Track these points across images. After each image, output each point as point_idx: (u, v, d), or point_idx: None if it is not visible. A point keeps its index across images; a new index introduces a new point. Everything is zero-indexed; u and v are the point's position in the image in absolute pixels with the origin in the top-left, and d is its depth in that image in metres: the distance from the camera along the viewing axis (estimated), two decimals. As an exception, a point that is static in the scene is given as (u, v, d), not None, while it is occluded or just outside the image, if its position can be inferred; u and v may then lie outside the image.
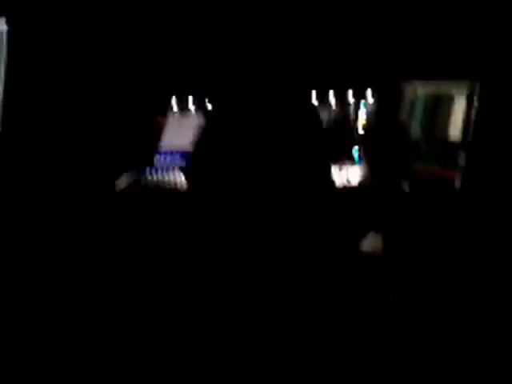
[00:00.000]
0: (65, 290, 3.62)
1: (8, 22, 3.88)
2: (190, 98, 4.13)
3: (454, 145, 3.49)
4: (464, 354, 3.13)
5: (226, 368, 2.75)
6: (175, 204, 3.71)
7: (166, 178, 3.99)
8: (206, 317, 2.78)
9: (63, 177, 4.01)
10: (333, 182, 2.93)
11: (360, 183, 3.51)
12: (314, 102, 3.68)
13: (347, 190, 3.53)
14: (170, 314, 3.23)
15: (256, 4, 3.73)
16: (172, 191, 3.91)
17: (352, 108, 3.70)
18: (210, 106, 3.90)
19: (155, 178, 4.01)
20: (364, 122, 3.67)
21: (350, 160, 3.62)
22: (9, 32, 3.85)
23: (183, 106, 4.17)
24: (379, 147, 3.58)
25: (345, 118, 3.68)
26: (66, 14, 3.97)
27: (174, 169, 3.98)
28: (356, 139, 3.65)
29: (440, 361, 3.14)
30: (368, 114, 3.66)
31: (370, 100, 3.67)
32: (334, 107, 3.72)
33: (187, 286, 2.91)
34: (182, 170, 3.05)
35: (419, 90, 3.61)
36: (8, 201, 3.84)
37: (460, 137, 3.48)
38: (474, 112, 3.49)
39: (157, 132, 4.15)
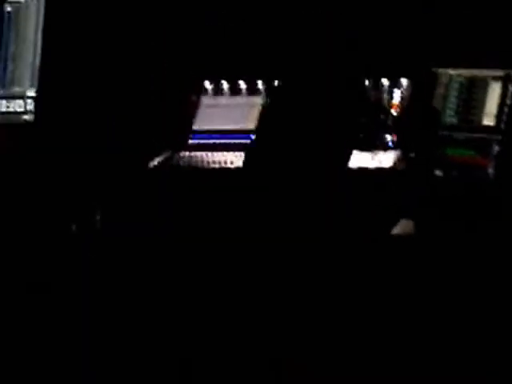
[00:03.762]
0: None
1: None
2: (224, 79, 4.13)
3: (487, 131, 3.48)
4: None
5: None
6: (215, 183, 3.74)
7: (203, 158, 4.00)
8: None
9: (95, 155, 4.02)
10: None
11: (392, 169, 3.51)
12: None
13: (379, 175, 3.53)
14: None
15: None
16: (210, 170, 3.93)
17: (386, 95, 3.68)
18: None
19: (190, 157, 4.03)
20: (397, 108, 3.66)
21: (383, 146, 3.62)
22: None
23: (217, 86, 4.17)
24: (412, 133, 3.58)
25: (378, 104, 3.67)
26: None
27: (214, 148, 4.02)
28: (389, 125, 3.64)
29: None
30: (402, 101, 3.65)
31: (404, 87, 3.66)
32: (368, 95, 3.71)
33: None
34: (244, 149, 3.08)
35: (453, 76, 3.58)
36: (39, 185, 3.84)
37: (494, 123, 3.47)
38: (509, 97, 3.47)
39: (191, 111, 4.17)
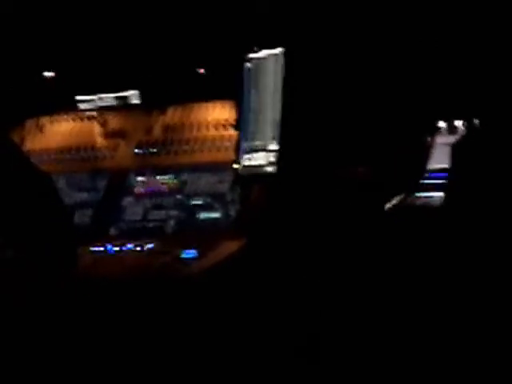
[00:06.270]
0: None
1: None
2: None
3: None
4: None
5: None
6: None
7: (432, 198, 4.03)
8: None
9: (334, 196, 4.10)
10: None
11: None
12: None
13: None
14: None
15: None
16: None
17: None
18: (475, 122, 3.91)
19: (422, 197, 4.07)
20: None
21: None
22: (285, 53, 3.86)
23: (450, 124, 4.17)
24: None
25: None
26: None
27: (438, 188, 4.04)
28: None
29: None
30: None
31: None
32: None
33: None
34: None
35: None
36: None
37: None
38: None
39: (425, 152, 4.19)
